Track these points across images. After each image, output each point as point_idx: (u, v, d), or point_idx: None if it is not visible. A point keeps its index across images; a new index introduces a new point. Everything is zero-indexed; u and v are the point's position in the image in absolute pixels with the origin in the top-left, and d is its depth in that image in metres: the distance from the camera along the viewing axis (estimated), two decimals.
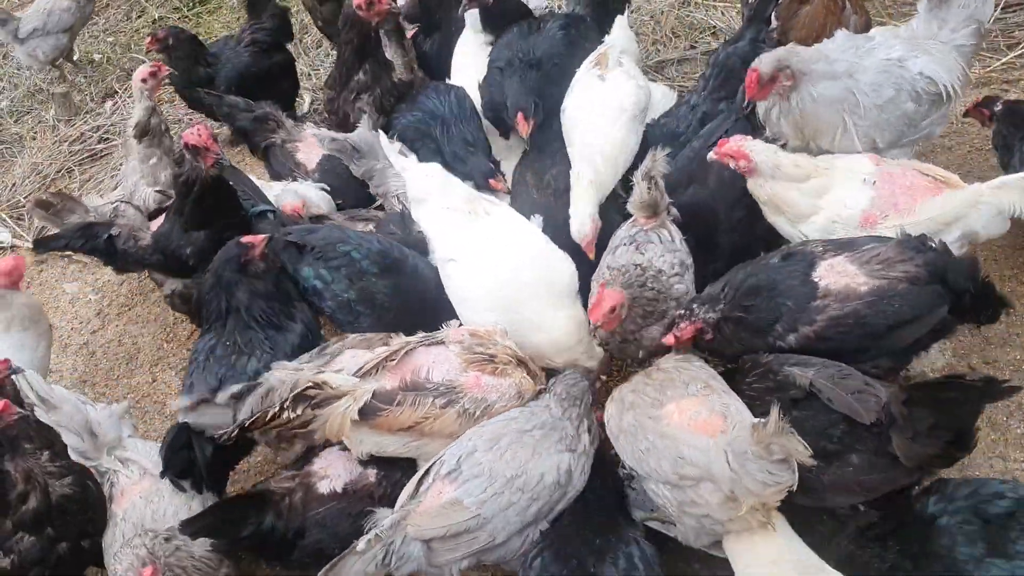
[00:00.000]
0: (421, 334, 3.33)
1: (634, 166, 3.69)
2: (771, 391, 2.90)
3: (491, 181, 4.02)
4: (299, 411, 2.97)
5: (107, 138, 6.38)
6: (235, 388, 3.27)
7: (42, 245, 4.35)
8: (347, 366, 3.27)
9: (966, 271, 3.03)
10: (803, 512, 2.87)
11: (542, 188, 4.01)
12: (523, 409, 3.17)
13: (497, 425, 3.08)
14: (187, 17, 7.36)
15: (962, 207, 3.29)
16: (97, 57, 7.06)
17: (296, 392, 2.99)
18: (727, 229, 3.71)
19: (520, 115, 4.02)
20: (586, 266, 3.66)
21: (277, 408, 2.96)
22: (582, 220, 3.67)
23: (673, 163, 3.77)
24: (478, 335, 3.29)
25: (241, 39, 5.48)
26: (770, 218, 3.56)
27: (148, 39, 5.45)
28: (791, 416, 2.72)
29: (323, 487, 3.20)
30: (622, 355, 3.56)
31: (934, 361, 3.59)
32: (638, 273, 3.28)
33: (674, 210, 3.54)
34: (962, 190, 3.33)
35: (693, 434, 2.80)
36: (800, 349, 3.09)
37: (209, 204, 3.91)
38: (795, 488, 2.62)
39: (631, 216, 3.53)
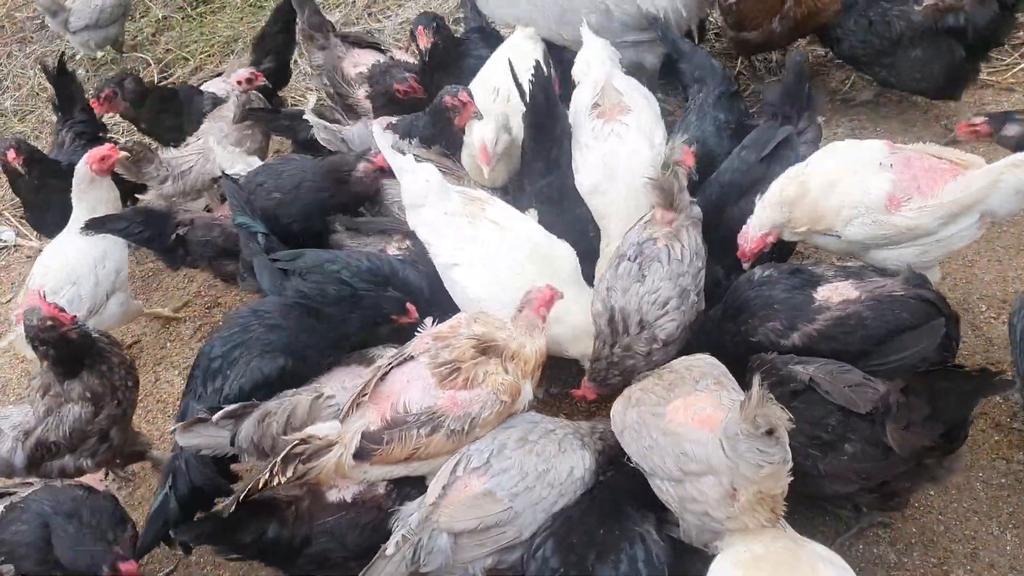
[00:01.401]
0: (392, 351, 3.27)
1: None
2: (774, 386, 2.89)
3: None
4: (289, 472, 2.94)
5: (110, 137, 6.37)
6: (231, 407, 3.20)
7: (97, 225, 4.12)
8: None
9: (950, 323, 3.12)
10: (806, 513, 2.88)
11: (535, 195, 4.00)
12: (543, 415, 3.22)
13: (524, 426, 3.11)
14: (191, 17, 7.37)
15: (984, 187, 3.29)
16: (99, 55, 7.06)
17: (284, 454, 2.95)
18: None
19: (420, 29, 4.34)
20: (588, 265, 3.67)
21: (268, 475, 2.93)
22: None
23: (723, 175, 3.79)
24: (442, 336, 3.19)
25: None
26: (796, 237, 3.57)
27: (95, 101, 5.11)
28: (790, 407, 2.69)
29: (332, 496, 3.13)
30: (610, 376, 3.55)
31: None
32: (603, 358, 3.35)
33: (696, 209, 3.47)
34: (982, 170, 3.33)
35: (695, 429, 2.79)
36: (804, 349, 3.16)
37: None
38: (789, 467, 2.59)
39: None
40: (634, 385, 3.21)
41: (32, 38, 7.59)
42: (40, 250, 5.51)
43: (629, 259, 3.37)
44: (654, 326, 3.28)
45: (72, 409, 3.51)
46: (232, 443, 3.18)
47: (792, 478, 2.62)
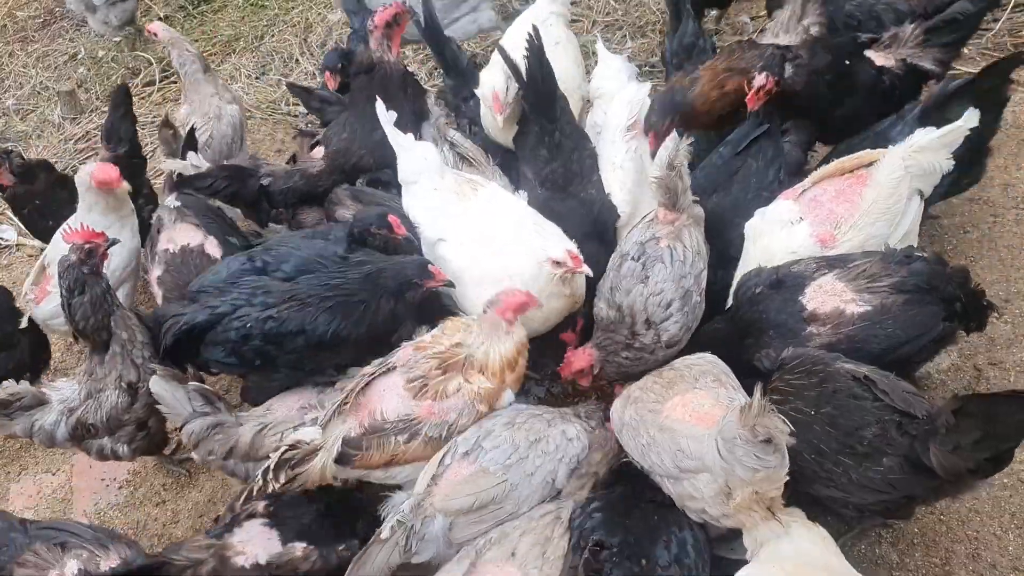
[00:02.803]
0: (376, 362, 3.24)
1: None
2: (811, 387, 2.82)
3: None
4: (282, 478, 2.97)
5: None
6: (207, 390, 3.35)
7: (184, 184, 4.20)
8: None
9: (955, 279, 3.05)
10: (808, 511, 2.86)
11: (540, 182, 3.96)
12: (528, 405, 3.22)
13: (509, 413, 3.12)
14: (192, 16, 7.37)
15: (891, 177, 3.30)
16: (101, 54, 7.06)
17: (275, 461, 2.98)
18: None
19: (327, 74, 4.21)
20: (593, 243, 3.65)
21: (262, 482, 2.96)
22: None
23: (700, 170, 3.78)
24: (421, 347, 3.18)
25: None
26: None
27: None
28: (824, 411, 2.69)
29: (241, 559, 2.99)
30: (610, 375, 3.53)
31: (939, 362, 3.59)
32: (620, 339, 3.30)
33: (698, 209, 3.47)
34: (883, 166, 3.33)
35: (692, 426, 2.79)
36: None
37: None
38: (786, 471, 2.56)
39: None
40: (635, 383, 3.20)
41: (34, 37, 7.58)
42: (42, 249, 5.54)
43: (633, 259, 3.36)
44: (659, 327, 3.28)
45: (109, 396, 3.60)
46: (181, 426, 3.29)
47: (818, 485, 2.62)
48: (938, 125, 3.40)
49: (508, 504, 2.90)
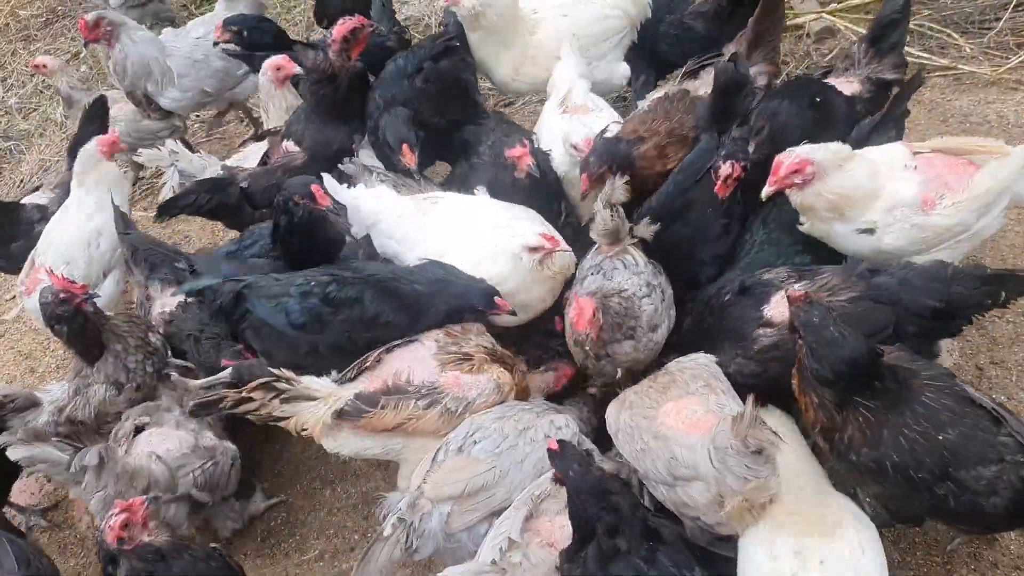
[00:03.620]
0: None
1: None
2: (947, 408, 2.71)
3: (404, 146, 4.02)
4: (260, 398, 3.02)
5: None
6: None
7: (169, 208, 4.27)
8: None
9: (926, 290, 3.02)
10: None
11: (484, 160, 4.05)
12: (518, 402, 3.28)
13: (501, 407, 3.19)
14: (194, 15, 7.36)
15: (1012, 175, 3.28)
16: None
17: (261, 381, 3.02)
18: (707, 262, 3.66)
19: (405, 146, 3.99)
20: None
21: (237, 393, 3.02)
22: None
23: (656, 198, 3.72)
24: (452, 334, 3.32)
25: None
26: (823, 228, 3.40)
27: None
28: (946, 436, 2.63)
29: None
30: (601, 375, 3.46)
31: (941, 361, 3.58)
32: (605, 291, 3.29)
33: (638, 230, 3.50)
34: (1011, 155, 3.31)
35: (685, 433, 2.80)
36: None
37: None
38: (777, 481, 2.58)
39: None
40: (630, 388, 3.21)
41: (36, 36, 7.60)
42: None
43: (592, 274, 3.43)
44: (639, 303, 3.29)
45: (97, 391, 3.67)
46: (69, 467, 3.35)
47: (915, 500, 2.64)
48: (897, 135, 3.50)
49: (500, 491, 2.94)
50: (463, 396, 3.16)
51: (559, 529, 2.75)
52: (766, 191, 3.30)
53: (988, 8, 5.40)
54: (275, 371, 3.14)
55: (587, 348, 3.27)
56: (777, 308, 3.16)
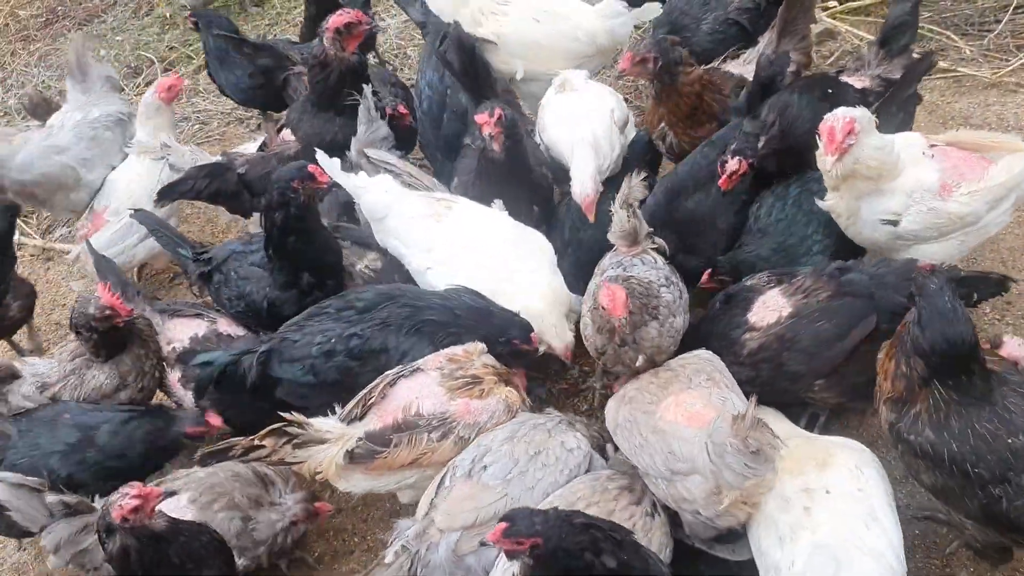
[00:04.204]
0: (398, 367, 3.25)
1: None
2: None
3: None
4: (272, 444, 2.96)
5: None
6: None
7: (168, 193, 4.34)
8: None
9: (897, 287, 3.07)
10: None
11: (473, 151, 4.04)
12: (529, 414, 3.19)
13: (510, 427, 3.10)
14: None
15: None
16: (103, 53, 7.06)
17: (272, 427, 2.96)
18: (723, 232, 3.81)
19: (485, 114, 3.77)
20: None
21: (249, 442, 2.96)
22: (583, 180, 3.64)
23: (683, 166, 3.86)
24: (455, 359, 3.22)
25: None
26: (852, 205, 3.39)
27: None
28: (1016, 440, 2.60)
29: None
30: (619, 363, 3.34)
31: None
32: (624, 276, 3.29)
33: (659, 239, 3.51)
34: (1020, 154, 3.36)
35: (683, 427, 2.81)
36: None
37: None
38: (775, 477, 2.64)
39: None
40: (631, 383, 3.21)
41: (36, 36, 7.59)
42: (44, 248, 5.57)
43: (612, 269, 3.42)
44: (658, 290, 3.28)
45: (96, 376, 3.62)
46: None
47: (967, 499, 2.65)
48: None
49: None
50: (475, 423, 3.09)
51: None
52: (831, 162, 3.22)
53: (988, 10, 5.42)
54: (286, 415, 3.04)
55: (616, 334, 3.17)
56: (759, 313, 3.26)
